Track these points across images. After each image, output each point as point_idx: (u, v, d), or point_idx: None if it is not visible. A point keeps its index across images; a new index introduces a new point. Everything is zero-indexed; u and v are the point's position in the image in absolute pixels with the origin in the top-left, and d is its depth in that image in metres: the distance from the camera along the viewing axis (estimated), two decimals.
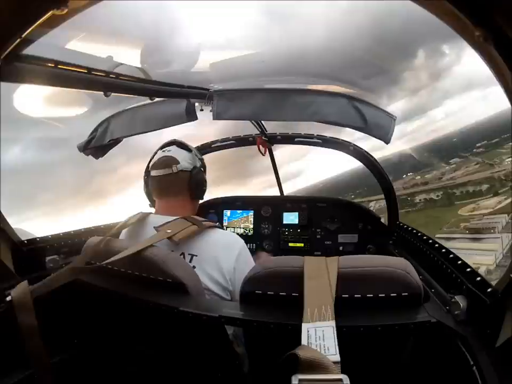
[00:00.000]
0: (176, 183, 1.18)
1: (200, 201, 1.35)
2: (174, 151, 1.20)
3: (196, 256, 1.04)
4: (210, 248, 1.06)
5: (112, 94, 1.16)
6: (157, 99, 1.53)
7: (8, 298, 0.86)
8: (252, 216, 2.28)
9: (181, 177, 1.17)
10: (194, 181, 1.19)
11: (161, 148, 1.25)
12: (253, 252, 2.19)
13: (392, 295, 0.75)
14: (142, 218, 1.16)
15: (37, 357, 0.90)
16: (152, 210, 1.24)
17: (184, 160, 1.19)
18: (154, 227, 1.06)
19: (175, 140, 1.27)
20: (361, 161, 1.94)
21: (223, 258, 1.05)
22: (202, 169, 1.24)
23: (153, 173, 1.19)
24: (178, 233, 1.01)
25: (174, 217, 1.10)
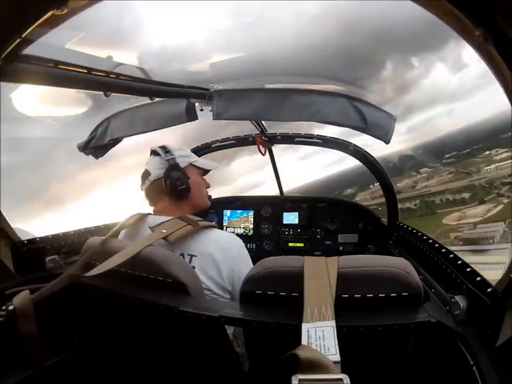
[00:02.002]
0: (155, 193, 1.22)
1: None
2: (148, 162, 1.24)
3: (195, 256, 1.03)
4: (208, 248, 1.05)
5: (112, 94, 1.16)
6: (157, 99, 1.53)
7: (11, 307, 0.88)
8: (252, 216, 2.28)
9: (155, 186, 1.20)
10: (168, 185, 1.17)
11: None
12: (253, 252, 2.21)
13: (392, 295, 0.75)
14: (140, 218, 1.17)
15: (36, 361, 0.91)
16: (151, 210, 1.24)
17: (155, 168, 1.20)
18: (149, 227, 1.07)
19: (152, 148, 1.26)
20: (361, 161, 1.94)
21: (221, 259, 1.04)
22: (175, 168, 1.19)
23: (141, 188, 1.26)
24: (173, 233, 1.00)
25: (170, 217, 1.10)
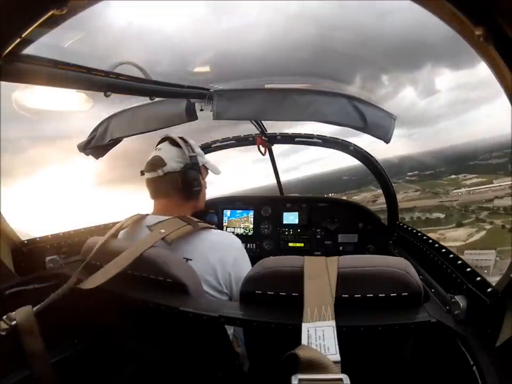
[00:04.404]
0: (164, 186, 1.14)
1: None
2: (163, 150, 1.16)
3: (191, 260, 1.02)
4: (204, 251, 1.03)
5: (112, 94, 1.16)
6: (157, 99, 1.53)
7: (13, 322, 0.88)
8: (252, 216, 2.28)
9: (168, 179, 1.13)
10: (184, 181, 1.12)
11: (157, 143, 1.22)
12: (253, 252, 2.21)
13: (392, 295, 0.75)
14: (139, 219, 1.16)
15: (37, 360, 0.91)
16: (150, 211, 1.22)
17: (172, 160, 1.13)
18: (147, 226, 1.05)
19: (168, 135, 1.19)
20: (361, 161, 1.94)
21: (218, 263, 1.02)
22: (195, 166, 1.15)
23: (145, 174, 1.17)
24: (172, 233, 0.99)
25: (169, 217, 1.08)
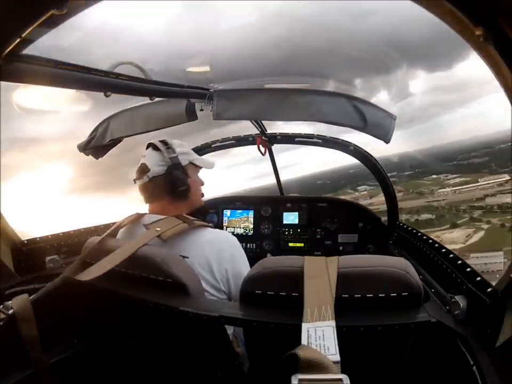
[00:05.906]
0: (153, 190, 1.17)
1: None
2: (147, 156, 1.19)
3: (188, 258, 1.02)
4: (201, 249, 1.04)
5: (112, 94, 1.16)
6: (157, 99, 1.53)
7: (10, 311, 0.89)
8: (252, 216, 2.28)
9: (155, 183, 1.16)
10: (169, 183, 1.15)
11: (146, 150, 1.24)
12: (253, 252, 2.21)
13: (392, 295, 0.75)
14: (137, 218, 1.17)
15: (36, 360, 0.91)
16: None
17: (155, 164, 1.15)
18: (144, 225, 1.06)
19: (150, 142, 1.21)
20: (361, 161, 1.94)
21: (214, 260, 1.03)
22: (177, 167, 1.16)
23: (136, 182, 1.21)
24: (167, 231, 1.00)
25: (165, 216, 1.10)
